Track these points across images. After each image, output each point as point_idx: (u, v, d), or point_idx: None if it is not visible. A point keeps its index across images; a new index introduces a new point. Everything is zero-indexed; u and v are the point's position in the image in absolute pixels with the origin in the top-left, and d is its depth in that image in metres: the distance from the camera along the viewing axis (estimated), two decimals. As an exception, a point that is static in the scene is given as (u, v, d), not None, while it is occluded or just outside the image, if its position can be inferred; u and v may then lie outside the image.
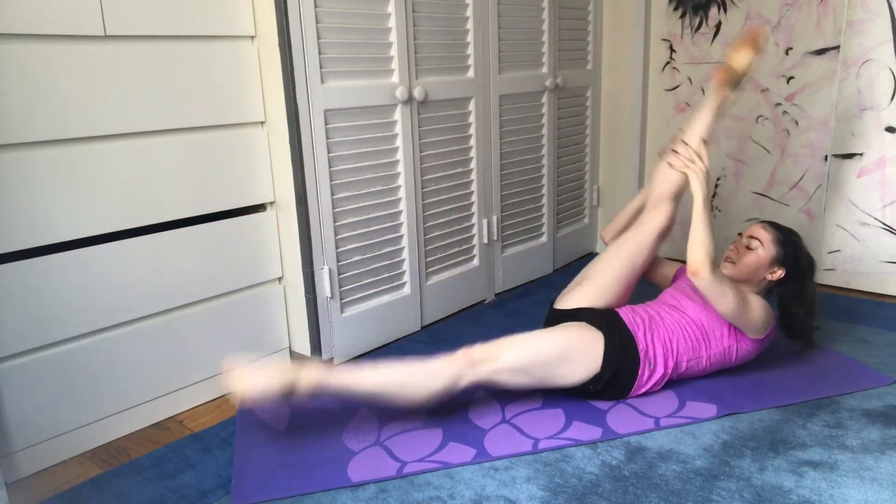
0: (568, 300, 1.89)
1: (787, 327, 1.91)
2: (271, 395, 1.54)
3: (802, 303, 1.87)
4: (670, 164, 1.90)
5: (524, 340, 1.69)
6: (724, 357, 1.80)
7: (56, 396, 1.59)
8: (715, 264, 1.69)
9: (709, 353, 1.79)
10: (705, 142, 1.89)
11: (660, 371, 1.76)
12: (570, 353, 1.69)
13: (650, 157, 3.00)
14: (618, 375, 1.72)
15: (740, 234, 1.92)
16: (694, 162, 1.83)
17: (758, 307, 1.76)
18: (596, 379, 1.71)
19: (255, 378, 1.54)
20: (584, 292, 1.88)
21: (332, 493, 1.44)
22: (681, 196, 1.94)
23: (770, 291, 1.90)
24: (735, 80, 1.97)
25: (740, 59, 1.96)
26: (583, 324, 1.76)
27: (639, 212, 2.09)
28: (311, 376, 1.56)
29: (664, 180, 1.94)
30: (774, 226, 1.89)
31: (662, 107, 2.92)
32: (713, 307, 1.73)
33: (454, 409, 1.75)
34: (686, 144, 1.88)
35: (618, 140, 3.02)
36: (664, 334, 1.77)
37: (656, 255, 2.07)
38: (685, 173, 1.86)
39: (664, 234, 1.94)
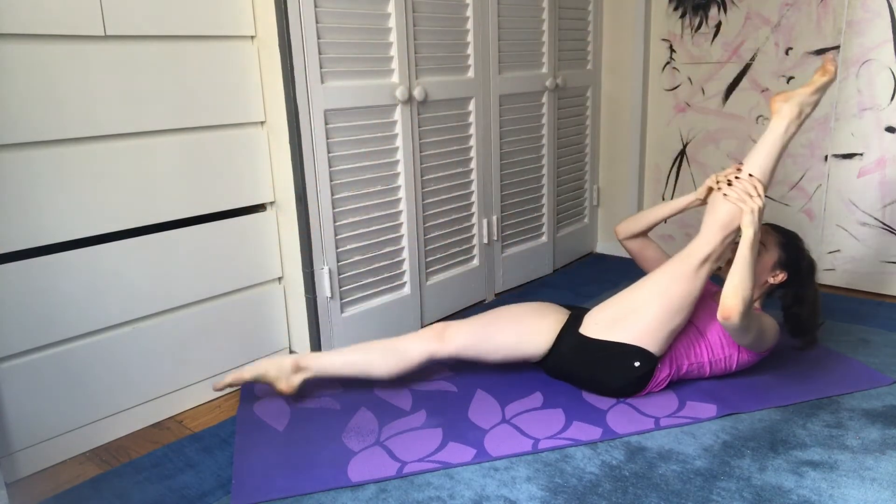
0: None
1: (791, 327, 1.91)
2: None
3: (804, 304, 1.87)
4: (725, 196, 1.72)
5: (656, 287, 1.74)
6: (724, 364, 1.80)
7: (56, 396, 1.59)
8: (750, 309, 1.63)
9: (710, 359, 1.79)
10: (752, 175, 1.73)
11: (665, 372, 1.76)
12: (677, 307, 1.70)
13: (650, 158, 2.99)
14: (649, 370, 1.73)
15: None
16: (751, 197, 1.69)
17: (770, 333, 1.77)
18: (646, 356, 1.70)
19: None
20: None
21: (332, 493, 1.44)
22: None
23: (770, 294, 1.90)
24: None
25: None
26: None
27: (661, 220, 2.01)
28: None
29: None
30: (777, 229, 1.89)
31: (662, 107, 2.91)
32: (731, 337, 1.72)
33: (454, 409, 1.75)
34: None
35: (618, 140, 3.02)
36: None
37: (662, 251, 2.05)
38: (739, 206, 1.69)
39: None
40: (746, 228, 1.67)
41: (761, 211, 1.68)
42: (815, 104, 1.78)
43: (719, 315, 1.63)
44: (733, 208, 1.71)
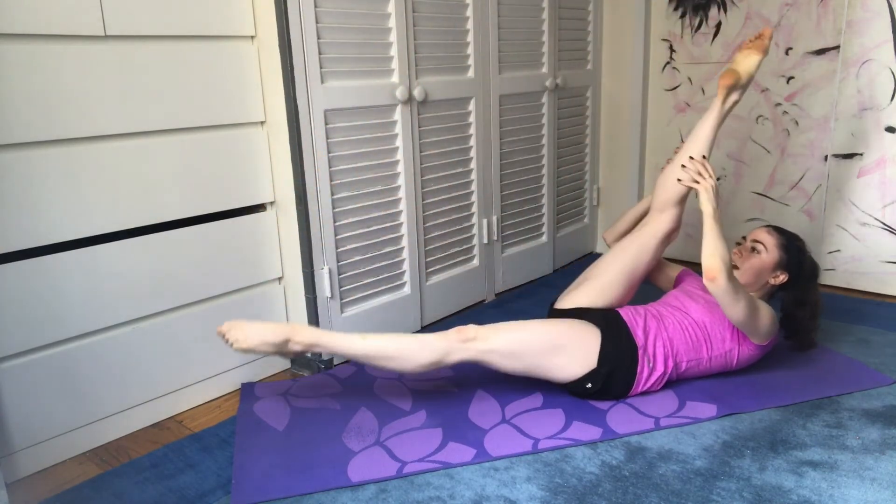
0: (568, 301, 1.89)
1: (789, 329, 1.92)
2: (265, 349, 1.65)
3: (806, 307, 1.88)
4: (679, 180, 1.86)
5: (518, 326, 1.73)
6: (724, 360, 1.80)
7: (56, 396, 1.59)
8: (731, 271, 1.66)
9: (710, 355, 1.79)
10: (705, 157, 1.86)
11: (659, 370, 1.76)
12: (564, 344, 1.70)
13: (650, 158, 3.00)
14: (616, 373, 1.72)
15: (744, 238, 1.92)
16: (702, 176, 1.80)
17: (766, 314, 1.76)
18: (593, 376, 1.70)
19: (251, 332, 1.64)
20: (584, 293, 1.87)
21: (332, 493, 1.44)
22: (685, 201, 1.92)
23: (773, 295, 1.90)
24: (742, 85, 1.92)
25: (748, 62, 1.92)
26: (579, 320, 1.77)
27: (642, 216, 2.08)
28: (305, 337, 1.67)
29: (669, 185, 1.90)
30: (778, 230, 1.89)
31: (662, 107, 2.91)
32: (725, 312, 1.71)
33: (454, 409, 1.75)
34: (692, 159, 1.84)
35: (618, 140, 3.02)
36: (665, 333, 1.77)
37: (660, 258, 2.07)
38: (693, 188, 1.82)
39: (669, 238, 1.93)
40: (705, 206, 1.74)
41: (715, 188, 1.78)
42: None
43: (704, 278, 1.66)
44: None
